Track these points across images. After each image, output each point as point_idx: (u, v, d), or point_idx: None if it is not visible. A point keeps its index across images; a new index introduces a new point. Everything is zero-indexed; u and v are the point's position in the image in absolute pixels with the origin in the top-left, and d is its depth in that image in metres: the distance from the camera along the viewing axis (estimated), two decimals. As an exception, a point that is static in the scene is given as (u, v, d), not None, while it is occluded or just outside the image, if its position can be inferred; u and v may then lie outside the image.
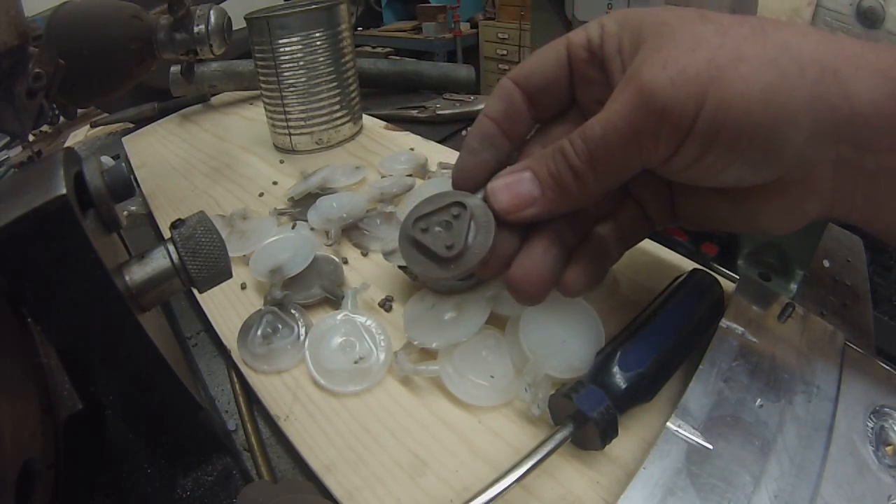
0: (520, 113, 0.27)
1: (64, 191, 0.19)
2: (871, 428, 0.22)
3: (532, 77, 0.27)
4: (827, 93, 0.18)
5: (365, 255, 0.39)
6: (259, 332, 0.32)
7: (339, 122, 0.57)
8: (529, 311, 0.29)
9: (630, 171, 0.22)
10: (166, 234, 0.25)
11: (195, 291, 0.28)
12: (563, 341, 0.28)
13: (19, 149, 0.73)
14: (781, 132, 0.19)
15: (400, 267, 0.35)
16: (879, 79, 0.18)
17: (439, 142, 0.57)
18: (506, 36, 2.78)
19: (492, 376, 0.28)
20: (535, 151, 0.27)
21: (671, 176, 0.23)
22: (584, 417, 0.22)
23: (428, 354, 0.30)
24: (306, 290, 0.35)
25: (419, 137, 0.57)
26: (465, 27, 2.90)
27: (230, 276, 0.25)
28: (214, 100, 0.79)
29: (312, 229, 0.42)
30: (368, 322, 0.32)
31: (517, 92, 0.27)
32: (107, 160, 0.27)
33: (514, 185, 0.24)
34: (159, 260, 0.24)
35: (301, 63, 0.53)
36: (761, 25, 0.20)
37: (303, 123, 0.56)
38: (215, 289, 0.26)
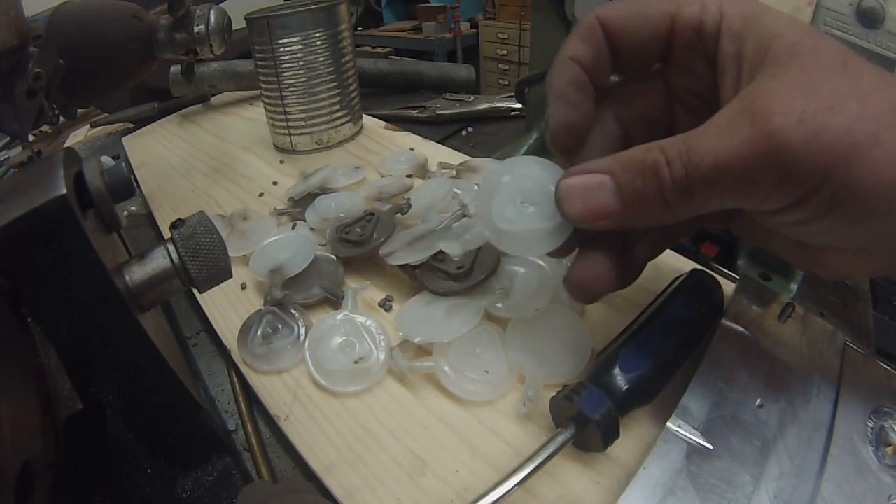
0: (603, 63, 0.24)
1: (64, 191, 0.19)
2: (871, 428, 0.22)
3: (625, 30, 0.23)
4: None
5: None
6: (259, 332, 0.32)
7: (339, 122, 0.57)
8: (516, 321, 0.30)
9: (722, 208, 0.20)
10: (166, 234, 0.25)
11: (195, 291, 0.28)
12: (551, 350, 0.28)
13: (19, 149, 0.73)
14: (888, 220, 0.18)
15: (400, 267, 0.35)
16: None
17: (439, 142, 0.57)
18: (506, 36, 2.78)
19: (486, 372, 0.28)
20: (608, 124, 0.25)
21: (763, 222, 0.21)
22: (586, 419, 0.22)
23: (425, 352, 0.30)
24: (306, 290, 0.35)
25: (419, 137, 0.57)
26: (465, 27, 2.90)
27: (230, 276, 0.25)
28: (214, 100, 0.79)
29: (312, 229, 0.42)
30: (368, 322, 0.32)
31: (603, 39, 0.23)
32: (107, 160, 0.27)
33: (593, 193, 0.21)
34: (159, 260, 0.24)
35: (301, 63, 0.53)
36: None
37: (303, 123, 0.56)
38: (215, 289, 0.26)
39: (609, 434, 0.22)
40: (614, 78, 0.26)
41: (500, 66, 2.87)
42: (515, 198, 0.24)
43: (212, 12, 0.52)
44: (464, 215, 0.35)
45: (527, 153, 0.54)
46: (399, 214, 0.39)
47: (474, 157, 0.50)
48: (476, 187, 0.42)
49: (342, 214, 0.41)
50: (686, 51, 0.23)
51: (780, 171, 0.18)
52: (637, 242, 0.26)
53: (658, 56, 0.24)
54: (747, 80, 0.20)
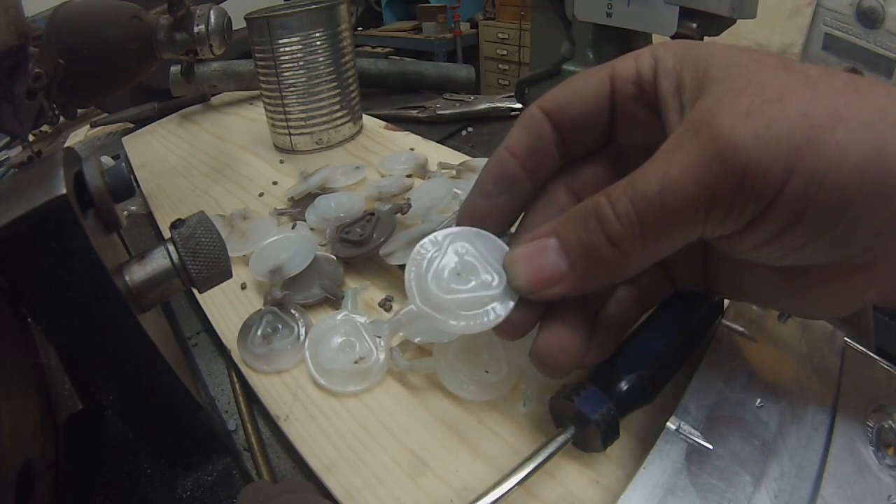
0: (547, 150, 0.23)
1: (64, 191, 0.19)
2: (871, 428, 0.22)
3: (567, 109, 0.22)
4: None
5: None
6: (259, 332, 0.32)
7: (339, 122, 0.57)
8: None
9: (682, 243, 0.18)
10: (166, 234, 0.25)
11: (195, 291, 0.28)
12: None
13: (19, 149, 0.73)
14: (872, 210, 0.16)
15: (400, 267, 0.35)
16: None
17: (439, 142, 0.57)
18: (506, 36, 2.78)
19: (486, 372, 0.28)
20: (558, 195, 0.24)
21: (732, 252, 0.19)
22: (586, 420, 0.22)
23: (424, 352, 0.30)
24: (306, 290, 0.35)
25: (419, 137, 0.57)
26: (465, 27, 2.90)
27: (230, 276, 0.25)
28: (214, 100, 0.79)
29: (312, 229, 0.42)
30: (368, 322, 0.32)
31: (547, 125, 0.23)
32: (107, 160, 0.27)
33: (537, 258, 0.20)
34: (159, 260, 0.24)
35: (301, 63, 0.53)
36: (853, 82, 0.17)
37: (303, 123, 0.56)
38: (215, 289, 0.26)
39: (609, 434, 0.22)
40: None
41: (500, 66, 2.87)
42: (445, 271, 0.22)
43: (212, 12, 0.52)
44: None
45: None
46: (399, 214, 0.39)
47: (474, 157, 0.50)
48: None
49: (342, 214, 0.41)
50: (628, 104, 0.22)
51: (737, 176, 0.16)
52: (604, 306, 0.24)
53: (605, 123, 0.23)
54: (690, 106, 0.19)
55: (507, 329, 0.22)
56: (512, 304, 0.21)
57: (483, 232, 0.23)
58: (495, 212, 0.24)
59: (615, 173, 0.23)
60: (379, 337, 0.29)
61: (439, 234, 0.23)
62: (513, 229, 0.26)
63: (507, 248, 0.23)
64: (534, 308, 0.22)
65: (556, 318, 0.22)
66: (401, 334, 0.30)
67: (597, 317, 0.23)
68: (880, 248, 0.17)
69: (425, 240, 0.23)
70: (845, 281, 0.19)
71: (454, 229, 0.24)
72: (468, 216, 0.24)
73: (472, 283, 0.22)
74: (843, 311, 0.20)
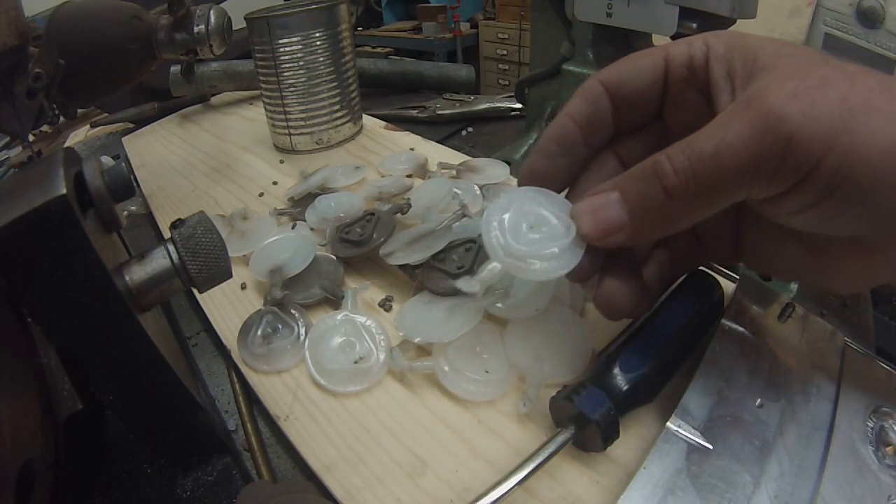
0: (604, 120, 0.25)
1: (64, 191, 0.19)
2: (871, 428, 0.22)
3: (624, 84, 0.25)
4: None
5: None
6: (259, 332, 0.32)
7: (339, 122, 0.57)
8: (516, 321, 0.30)
9: (730, 201, 0.20)
10: (166, 234, 0.25)
11: (195, 291, 0.28)
12: (551, 350, 0.28)
13: (19, 149, 0.73)
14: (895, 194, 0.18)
15: (400, 267, 0.35)
16: None
17: (439, 142, 0.57)
18: (506, 36, 2.78)
19: (486, 371, 0.28)
20: (609, 162, 0.26)
21: (771, 215, 0.21)
22: (586, 419, 0.22)
23: (424, 352, 0.30)
24: (306, 290, 0.35)
25: (419, 137, 0.57)
26: (465, 27, 2.90)
27: (230, 276, 0.25)
28: (214, 100, 0.79)
29: (312, 229, 0.42)
30: (368, 322, 0.32)
31: (605, 97, 0.25)
32: (107, 160, 0.27)
33: (601, 210, 0.23)
34: (159, 260, 0.24)
35: (301, 63, 0.53)
36: (886, 80, 0.19)
37: (303, 123, 0.56)
38: (215, 289, 0.26)
39: (609, 434, 0.22)
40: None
41: (500, 66, 2.87)
42: (521, 225, 0.24)
43: (212, 12, 0.52)
44: (464, 215, 0.35)
45: (526, 153, 0.54)
46: (399, 214, 0.39)
47: (474, 157, 0.50)
48: (477, 190, 0.42)
49: (342, 214, 0.41)
50: (680, 85, 0.24)
51: (782, 145, 0.18)
52: (645, 266, 0.26)
53: (657, 101, 0.25)
54: (740, 91, 0.21)
55: (577, 273, 0.24)
56: (582, 250, 0.24)
57: (544, 190, 0.26)
58: (556, 172, 0.26)
59: (661, 148, 0.25)
60: (472, 293, 0.30)
61: (507, 195, 0.25)
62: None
63: (569, 203, 0.25)
64: (597, 255, 0.24)
65: (614, 268, 0.24)
66: (401, 334, 0.30)
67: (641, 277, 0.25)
68: None
69: (494, 203, 0.25)
70: (865, 259, 0.21)
71: (518, 189, 0.26)
72: (530, 176, 0.26)
73: (544, 234, 0.24)
74: (859, 288, 0.23)
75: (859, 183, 0.18)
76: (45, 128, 0.84)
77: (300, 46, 0.52)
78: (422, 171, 0.49)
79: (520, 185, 0.26)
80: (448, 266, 0.33)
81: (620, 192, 0.22)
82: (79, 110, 0.67)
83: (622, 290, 0.24)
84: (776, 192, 0.20)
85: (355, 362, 0.30)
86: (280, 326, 0.33)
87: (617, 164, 0.26)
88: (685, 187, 0.20)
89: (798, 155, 0.18)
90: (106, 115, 0.81)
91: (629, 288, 0.24)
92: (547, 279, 0.24)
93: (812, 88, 0.18)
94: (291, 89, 0.54)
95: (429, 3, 2.90)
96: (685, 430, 0.22)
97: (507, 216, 0.25)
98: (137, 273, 0.23)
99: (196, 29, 0.51)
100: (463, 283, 0.30)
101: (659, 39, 0.36)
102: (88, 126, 0.83)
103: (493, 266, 0.30)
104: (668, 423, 0.22)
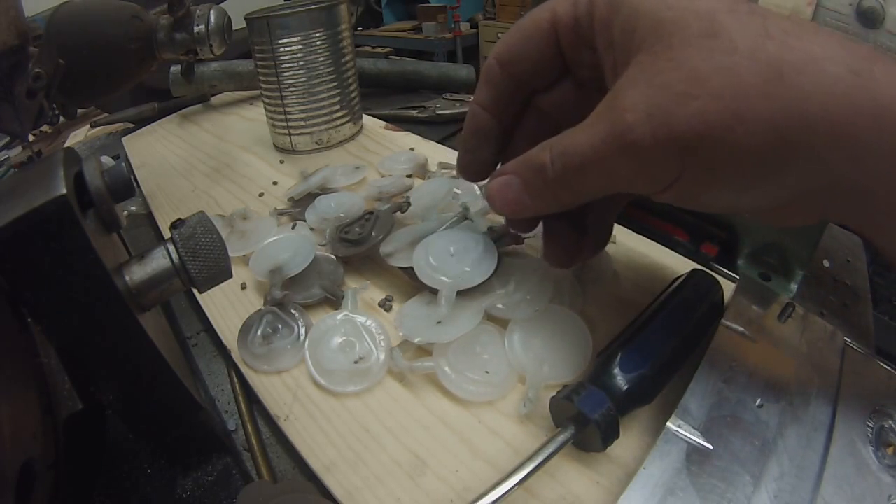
0: (510, 95, 0.27)
1: (64, 191, 0.19)
2: (871, 428, 0.22)
3: (518, 57, 0.25)
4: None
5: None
6: (259, 332, 0.32)
7: (339, 122, 0.57)
8: (516, 321, 0.30)
9: (604, 193, 0.22)
10: (166, 234, 0.25)
11: (195, 291, 0.28)
12: (551, 350, 0.28)
13: (19, 149, 0.73)
14: (770, 183, 0.18)
15: (400, 267, 0.34)
16: (835, 75, 0.16)
17: (439, 142, 0.57)
18: (506, 36, 2.77)
19: (486, 372, 0.28)
20: (531, 126, 0.28)
21: (659, 199, 0.22)
22: (586, 419, 0.22)
23: (424, 352, 0.30)
24: (306, 290, 0.35)
25: (419, 137, 0.57)
26: (465, 27, 2.90)
27: (230, 276, 0.25)
28: (214, 100, 0.78)
29: (312, 229, 0.42)
30: (368, 322, 0.32)
31: (503, 74, 0.26)
32: (107, 160, 0.27)
33: (505, 192, 0.25)
34: (159, 260, 0.24)
35: (301, 63, 0.53)
36: (753, 71, 0.17)
37: (303, 123, 0.56)
38: (215, 289, 0.26)
39: (609, 434, 0.22)
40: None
41: (500, 66, 2.86)
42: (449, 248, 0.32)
43: (212, 12, 0.52)
44: (465, 217, 0.35)
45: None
46: (399, 213, 0.39)
47: (474, 157, 0.50)
48: (478, 190, 0.42)
49: (342, 214, 0.41)
50: (572, 48, 0.24)
51: (633, 163, 0.19)
52: (587, 215, 0.28)
53: (557, 63, 0.25)
54: (621, 69, 0.21)
55: (522, 226, 0.28)
56: (494, 259, 0.31)
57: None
58: (480, 163, 0.28)
59: (579, 92, 0.27)
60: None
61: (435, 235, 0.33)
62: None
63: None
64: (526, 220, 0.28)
65: (551, 225, 0.27)
66: (401, 334, 0.30)
67: (584, 222, 0.28)
68: (803, 196, 0.19)
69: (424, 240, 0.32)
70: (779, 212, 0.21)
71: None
72: (463, 170, 0.29)
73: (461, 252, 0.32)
74: (803, 223, 0.22)
75: (729, 180, 0.18)
76: (45, 128, 0.84)
77: (300, 46, 0.52)
78: (422, 171, 0.49)
79: (459, 176, 0.30)
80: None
81: (519, 177, 0.24)
82: (79, 110, 0.67)
83: (565, 240, 0.27)
84: (650, 192, 0.20)
85: (355, 362, 0.30)
86: (280, 326, 0.33)
87: (538, 125, 0.28)
88: (559, 180, 0.22)
89: (651, 171, 0.19)
90: (106, 115, 0.81)
91: (570, 237, 0.27)
92: (472, 285, 0.30)
93: (672, 103, 0.17)
94: (291, 89, 0.54)
95: (429, 3, 2.90)
96: (685, 431, 0.22)
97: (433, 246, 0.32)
98: (137, 273, 0.23)
99: (196, 29, 0.51)
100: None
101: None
102: (88, 126, 0.83)
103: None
104: (668, 423, 0.22)
